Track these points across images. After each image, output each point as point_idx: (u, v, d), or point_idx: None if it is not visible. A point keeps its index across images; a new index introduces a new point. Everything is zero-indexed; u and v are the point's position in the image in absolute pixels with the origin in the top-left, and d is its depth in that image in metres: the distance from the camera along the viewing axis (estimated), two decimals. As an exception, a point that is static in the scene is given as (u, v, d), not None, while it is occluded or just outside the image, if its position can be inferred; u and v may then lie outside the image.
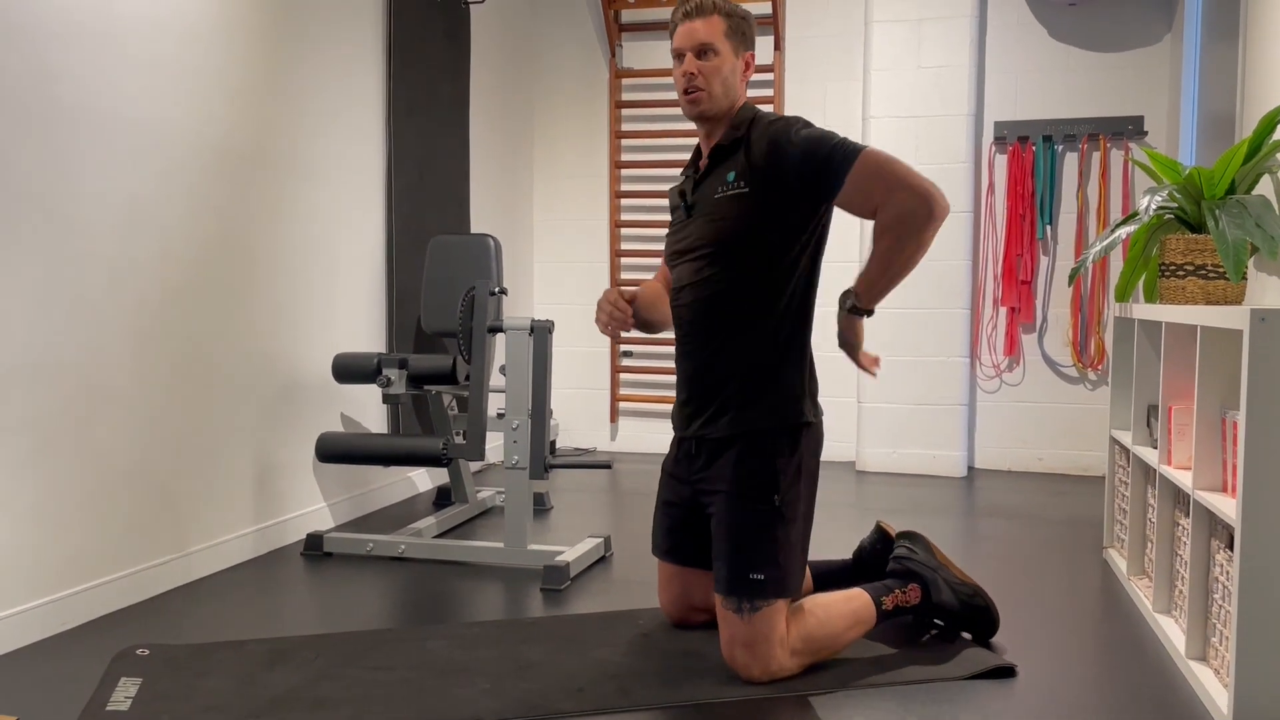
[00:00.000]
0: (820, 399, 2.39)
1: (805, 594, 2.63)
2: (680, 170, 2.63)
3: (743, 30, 2.36)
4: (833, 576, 2.66)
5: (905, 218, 2.15)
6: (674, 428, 2.50)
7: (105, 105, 2.69)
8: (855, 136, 5.05)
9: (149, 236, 2.85)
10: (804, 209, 2.28)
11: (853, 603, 2.35)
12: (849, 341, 2.30)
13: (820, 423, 2.35)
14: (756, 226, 2.27)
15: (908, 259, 2.19)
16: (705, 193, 2.38)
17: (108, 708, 2.07)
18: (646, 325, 2.52)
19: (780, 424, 2.27)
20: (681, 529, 2.47)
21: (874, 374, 2.35)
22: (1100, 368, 4.87)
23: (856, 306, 2.27)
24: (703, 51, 2.32)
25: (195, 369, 3.04)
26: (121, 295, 2.76)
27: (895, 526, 2.72)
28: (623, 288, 2.46)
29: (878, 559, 2.66)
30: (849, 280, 4.99)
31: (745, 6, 2.44)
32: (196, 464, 3.06)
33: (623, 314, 2.42)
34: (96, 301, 2.67)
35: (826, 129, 2.28)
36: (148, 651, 2.40)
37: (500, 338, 4.44)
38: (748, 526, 2.24)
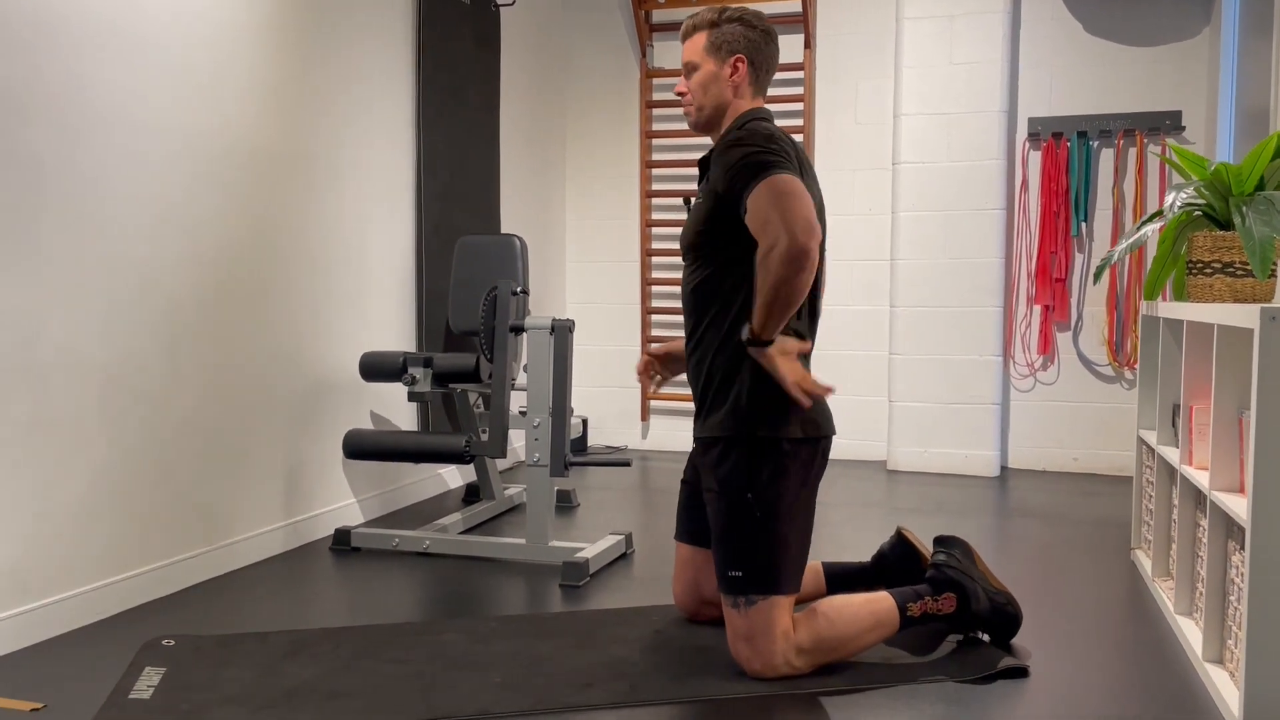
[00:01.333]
0: (827, 417, 2.33)
1: (817, 596, 2.65)
2: None
3: (724, 39, 2.42)
4: (849, 579, 2.66)
5: (769, 252, 2.13)
6: None
7: (136, 110, 2.76)
8: (887, 134, 5.05)
9: (180, 238, 2.93)
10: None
11: (874, 605, 2.33)
12: (769, 370, 2.22)
13: (814, 439, 2.29)
14: (710, 230, 2.33)
15: (779, 293, 2.14)
16: (698, 195, 2.46)
17: (130, 696, 2.14)
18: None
19: (754, 434, 2.26)
20: (698, 507, 2.51)
21: (804, 403, 2.20)
22: (1137, 367, 4.80)
23: (751, 339, 2.21)
24: (688, 70, 2.45)
25: (226, 367, 3.12)
26: (153, 296, 2.83)
27: (916, 531, 2.71)
28: (651, 347, 2.74)
29: (899, 564, 2.65)
30: (883, 280, 5.02)
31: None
32: (227, 460, 3.13)
33: (644, 375, 2.78)
34: (128, 302, 2.75)
35: (764, 151, 2.22)
36: (173, 642, 2.47)
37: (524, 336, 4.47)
38: (725, 523, 2.28)
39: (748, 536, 2.25)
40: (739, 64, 2.41)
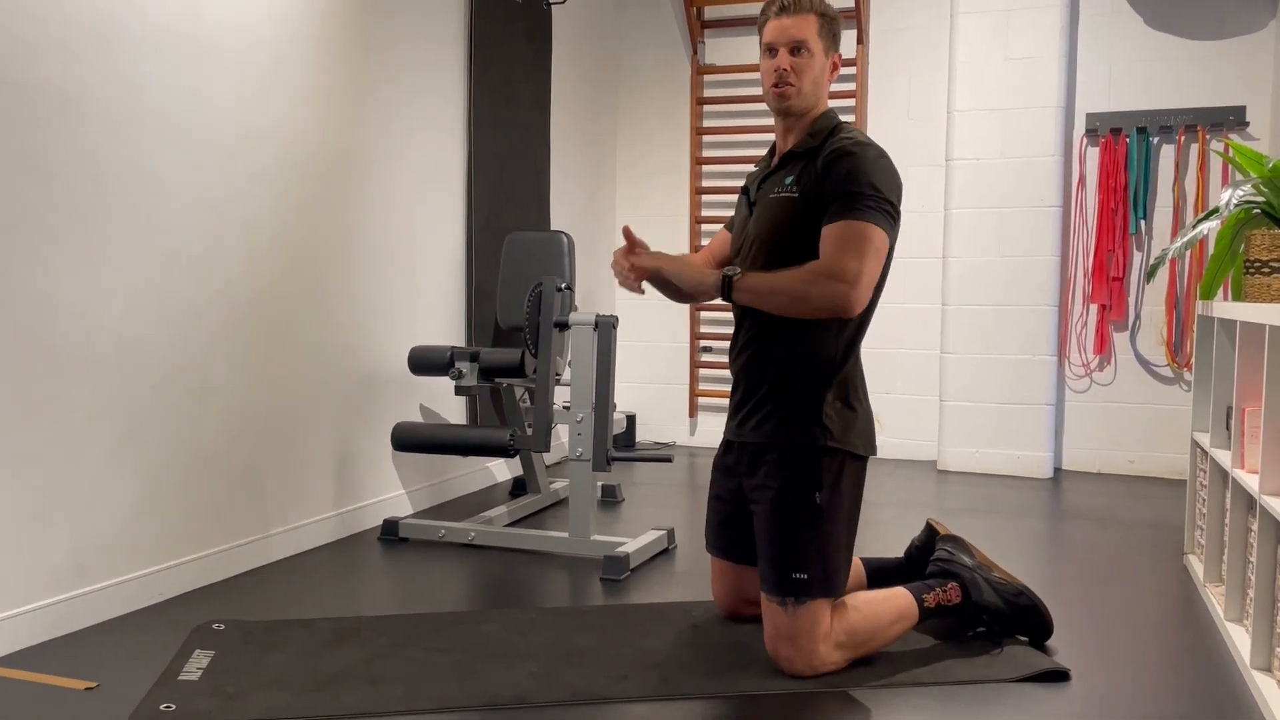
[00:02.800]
0: (874, 439, 2.40)
1: (858, 589, 2.64)
2: (755, 164, 2.65)
3: (833, 30, 2.37)
4: (887, 574, 2.65)
5: (826, 278, 2.18)
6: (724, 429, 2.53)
7: (193, 110, 2.84)
8: (940, 130, 4.98)
9: (235, 235, 3.00)
10: None
11: (894, 600, 2.36)
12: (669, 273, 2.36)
13: (865, 457, 2.35)
14: (800, 232, 2.29)
15: (788, 301, 2.24)
16: (765, 191, 2.43)
17: (180, 677, 2.21)
18: (667, 286, 2.41)
19: (823, 443, 2.27)
20: (731, 524, 2.49)
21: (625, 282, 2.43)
22: (1197, 368, 4.69)
23: (729, 285, 2.27)
24: (796, 48, 2.33)
25: (279, 360, 3.19)
26: (209, 290, 2.91)
27: (950, 527, 2.70)
28: (633, 243, 2.46)
29: (927, 557, 2.64)
30: (935, 278, 4.95)
31: (831, 2, 2.42)
32: (280, 450, 3.21)
33: (622, 268, 2.45)
34: (185, 296, 2.83)
35: (878, 178, 2.23)
36: (223, 626, 2.54)
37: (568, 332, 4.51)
38: (791, 525, 2.26)
39: (814, 540, 2.25)
40: (837, 62, 2.40)
